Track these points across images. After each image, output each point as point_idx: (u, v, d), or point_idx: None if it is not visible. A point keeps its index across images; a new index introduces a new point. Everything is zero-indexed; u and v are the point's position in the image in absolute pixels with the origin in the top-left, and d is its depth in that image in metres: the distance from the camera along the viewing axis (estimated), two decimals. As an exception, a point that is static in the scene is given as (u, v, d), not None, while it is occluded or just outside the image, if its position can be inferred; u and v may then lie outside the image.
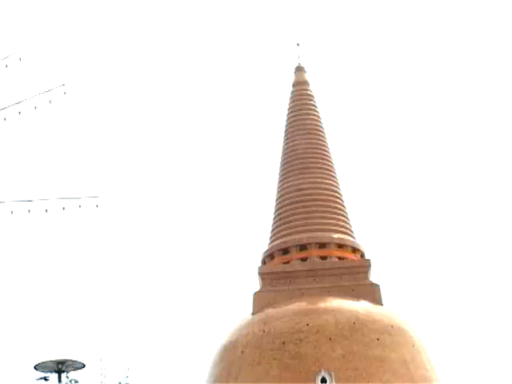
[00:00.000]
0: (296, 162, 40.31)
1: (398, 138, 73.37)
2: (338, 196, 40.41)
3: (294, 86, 43.30)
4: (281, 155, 41.51)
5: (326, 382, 32.94)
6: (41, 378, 13.84)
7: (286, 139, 41.82)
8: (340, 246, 37.80)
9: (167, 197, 70.31)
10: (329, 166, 41.62)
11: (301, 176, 39.63)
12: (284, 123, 42.46)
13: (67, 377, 13.89)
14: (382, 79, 72.15)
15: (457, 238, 62.42)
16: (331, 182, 40.38)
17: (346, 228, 39.16)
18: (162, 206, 65.02)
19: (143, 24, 76.08)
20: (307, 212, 38.86)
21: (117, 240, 56.55)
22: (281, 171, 41.12)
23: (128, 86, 69.14)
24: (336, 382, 32.35)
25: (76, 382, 14.78)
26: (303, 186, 39.14)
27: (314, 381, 32.79)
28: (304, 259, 37.68)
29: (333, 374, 32.68)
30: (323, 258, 37.42)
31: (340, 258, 37.55)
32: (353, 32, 69.77)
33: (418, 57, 76.52)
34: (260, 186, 50.12)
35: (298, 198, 39.12)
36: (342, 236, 38.12)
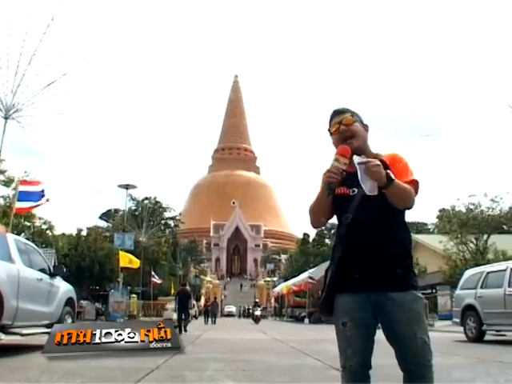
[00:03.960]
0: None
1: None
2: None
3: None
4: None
5: (234, 203, 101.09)
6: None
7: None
8: (245, 149, 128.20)
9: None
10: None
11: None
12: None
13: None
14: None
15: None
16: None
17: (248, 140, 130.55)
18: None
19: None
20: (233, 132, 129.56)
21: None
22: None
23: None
24: (239, 204, 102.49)
25: None
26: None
27: (229, 202, 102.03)
28: (230, 153, 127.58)
29: (237, 200, 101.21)
30: (238, 153, 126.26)
31: (245, 154, 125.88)
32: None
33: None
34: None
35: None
36: (245, 145, 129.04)
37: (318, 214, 2.43)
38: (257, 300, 45.53)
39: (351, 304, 2.31)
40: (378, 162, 2.20)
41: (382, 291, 2.28)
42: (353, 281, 2.31)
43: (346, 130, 2.41)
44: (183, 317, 17.67)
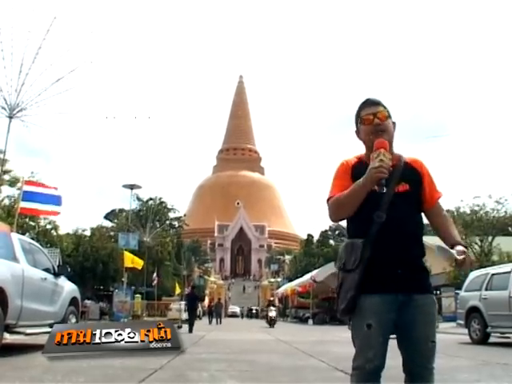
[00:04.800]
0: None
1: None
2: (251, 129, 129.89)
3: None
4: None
5: (239, 204, 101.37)
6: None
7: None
8: (249, 149, 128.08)
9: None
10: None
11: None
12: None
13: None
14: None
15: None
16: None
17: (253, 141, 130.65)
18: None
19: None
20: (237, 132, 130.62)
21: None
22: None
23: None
24: (243, 204, 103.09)
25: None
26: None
27: (234, 202, 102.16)
28: (235, 154, 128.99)
29: (242, 201, 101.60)
30: (243, 154, 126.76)
31: (249, 154, 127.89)
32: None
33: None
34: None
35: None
36: (250, 146, 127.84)
37: (347, 208, 2.34)
38: (271, 298, 39.52)
39: (380, 305, 2.25)
40: (471, 259, 2.43)
41: (408, 293, 2.26)
42: (383, 281, 2.26)
43: (380, 124, 2.37)
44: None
